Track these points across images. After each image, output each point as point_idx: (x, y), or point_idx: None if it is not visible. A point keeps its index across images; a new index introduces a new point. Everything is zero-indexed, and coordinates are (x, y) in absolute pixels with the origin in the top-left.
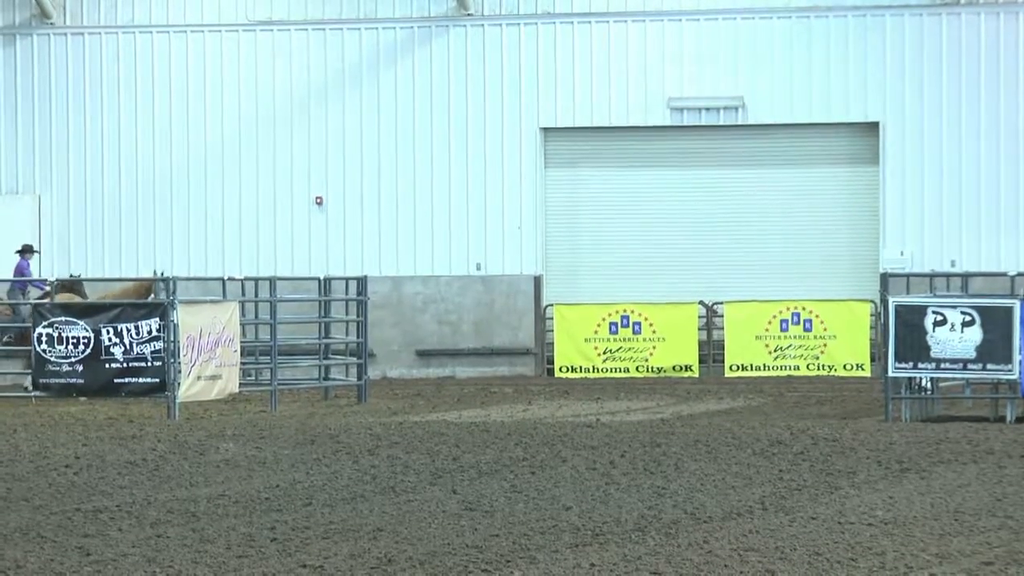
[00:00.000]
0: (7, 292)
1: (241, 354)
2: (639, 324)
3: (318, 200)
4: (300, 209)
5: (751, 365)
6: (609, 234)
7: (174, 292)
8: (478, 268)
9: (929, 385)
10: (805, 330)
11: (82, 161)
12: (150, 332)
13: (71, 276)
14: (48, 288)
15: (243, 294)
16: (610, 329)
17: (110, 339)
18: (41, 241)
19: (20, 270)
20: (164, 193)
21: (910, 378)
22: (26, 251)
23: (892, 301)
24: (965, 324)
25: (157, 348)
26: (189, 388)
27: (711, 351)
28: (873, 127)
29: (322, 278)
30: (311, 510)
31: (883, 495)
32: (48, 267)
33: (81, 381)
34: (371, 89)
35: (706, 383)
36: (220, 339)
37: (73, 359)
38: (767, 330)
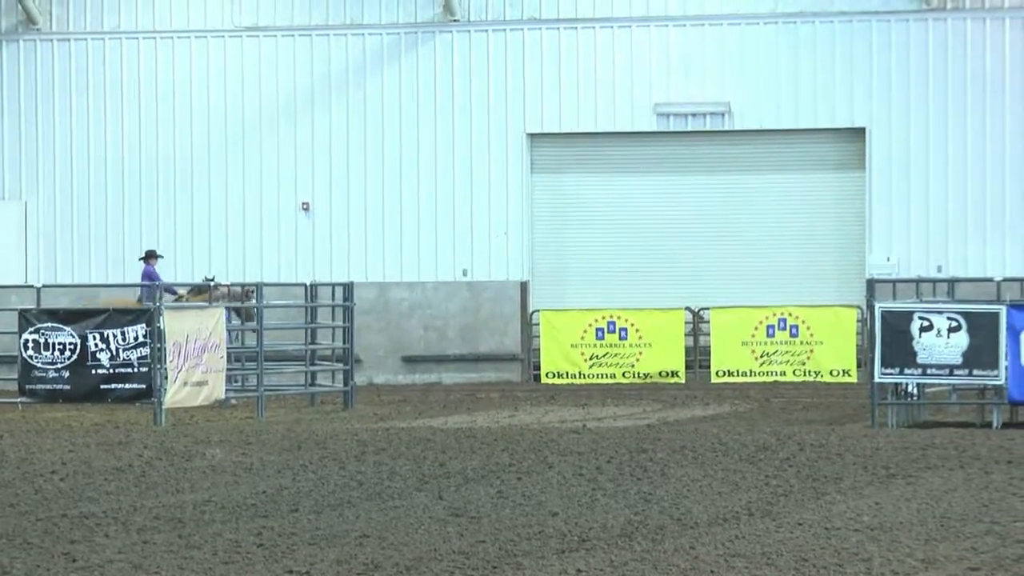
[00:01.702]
0: (139, 298)
1: (227, 360)
2: (625, 330)
3: (304, 206)
4: (286, 215)
5: (737, 371)
6: (595, 240)
7: (160, 298)
8: (464, 274)
9: (915, 391)
10: (791, 336)
11: (69, 167)
12: (136, 338)
13: (205, 279)
14: (182, 293)
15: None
16: (596, 335)
17: (96, 345)
18: (27, 247)
19: (148, 276)
20: (150, 199)
21: (896, 384)
22: (150, 256)
23: (878, 307)
24: (951, 330)
25: (143, 354)
26: (175, 394)
27: (697, 357)
28: (859, 133)
29: (308, 284)
30: (297, 516)
31: (869, 501)
32: (34, 274)
33: (67, 387)
34: (357, 95)
35: (692, 389)
36: (206, 345)
37: (59, 365)
38: (753, 336)
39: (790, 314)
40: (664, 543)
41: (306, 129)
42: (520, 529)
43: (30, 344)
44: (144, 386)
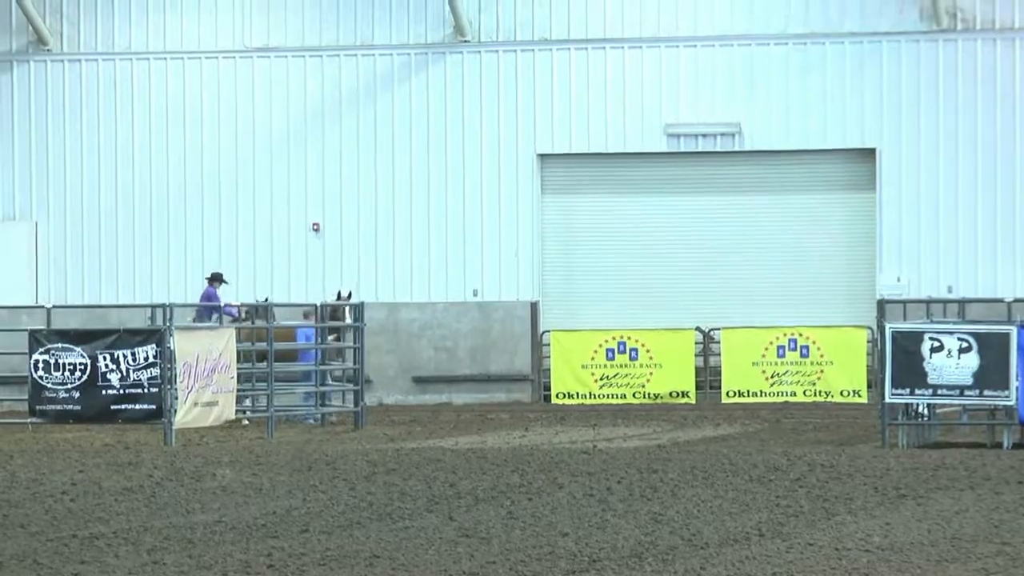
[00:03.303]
0: (194, 318)
1: (237, 380)
2: (636, 350)
3: (315, 226)
4: (297, 235)
5: (748, 391)
6: (606, 260)
7: (171, 319)
8: (475, 294)
9: (926, 411)
10: (802, 356)
11: (79, 187)
12: (147, 359)
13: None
14: (241, 315)
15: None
16: (607, 355)
17: (107, 365)
18: (38, 267)
19: (207, 297)
20: (161, 220)
21: (907, 404)
22: (215, 279)
23: (889, 327)
24: (962, 350)
25: (154, 375)
26: (185, 415)
27: (708, 377)
28: (870, 153)
29: (319, 304)
30: (308, 537)
31: (880, 521)
32: (45, 294)
33: (78, 408)
34: (368, 116)
35: (703, 409)
36: (216, 365)
37: (70, 385)
38: (764, 356)
39: (800, 334)
40: (674, 564)
41: (316, 150)
42: (530, 550)
43: (40, 365)
44: (154, 406)
